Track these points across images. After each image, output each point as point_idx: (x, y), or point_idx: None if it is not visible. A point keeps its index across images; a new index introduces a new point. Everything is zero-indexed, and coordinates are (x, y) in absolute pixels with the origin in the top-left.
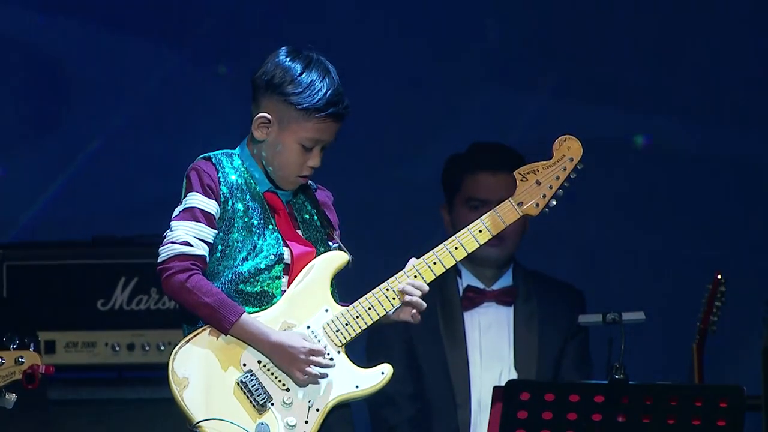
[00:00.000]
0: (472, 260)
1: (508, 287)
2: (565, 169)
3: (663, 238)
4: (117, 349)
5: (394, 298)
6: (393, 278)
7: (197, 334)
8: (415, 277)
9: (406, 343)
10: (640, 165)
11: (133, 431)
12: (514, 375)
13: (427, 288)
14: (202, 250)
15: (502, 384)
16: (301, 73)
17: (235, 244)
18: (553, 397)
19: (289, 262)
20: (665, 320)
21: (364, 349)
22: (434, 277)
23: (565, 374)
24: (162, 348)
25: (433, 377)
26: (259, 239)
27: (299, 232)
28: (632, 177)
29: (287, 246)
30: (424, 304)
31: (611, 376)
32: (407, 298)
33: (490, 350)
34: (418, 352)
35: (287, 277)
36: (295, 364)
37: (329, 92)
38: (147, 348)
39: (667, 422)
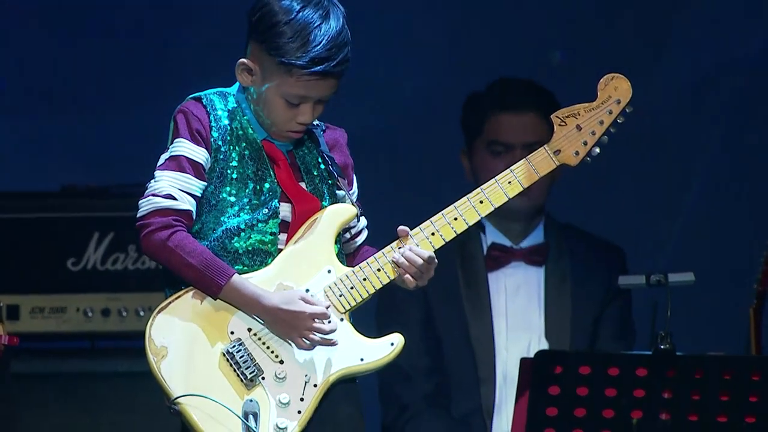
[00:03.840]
0: (496, 213)
1: (538, 245)
2: (610, 113)
3: (717, 188)
4: (90, 315)
5: None
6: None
7: (179, 297)
8: (433, 234)
9: (423, 309)
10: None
11: (107, 408)
12: (544, 345)
13: (426, 255)
14: (187, 204)
15: (531, 355)
16: (292, 18)
17: (227, 197)
18: (590, 370)
19: (289, 218)
20: (718, 281)
21: (373, 316)
22: (454, 236)
23: (603, 344)
24: (141, 314)
25: (453, 348)
26: (254, 192)
27: (302, 184)
28: (682, 121)
29: (289, 201)
30: (423, 279)
31: (656, 346)
32: (402, 272)
33: (518, 317)
34: (436, 319)
35: (286, 234)
36: (296, 329)
37: (318, 46)
38: (124, 314)
39: (719, 399)
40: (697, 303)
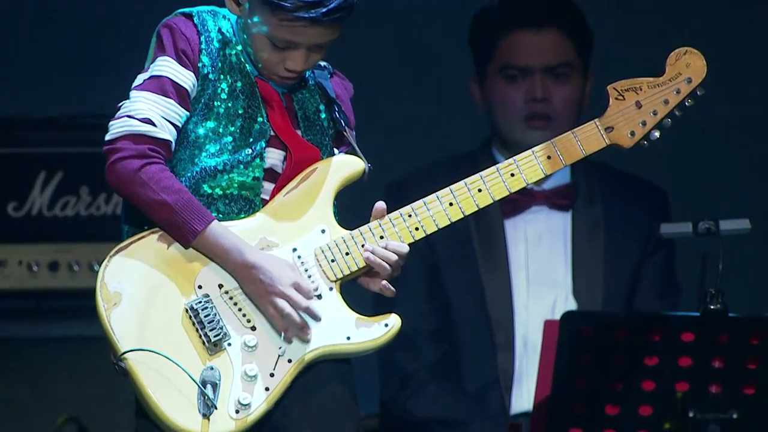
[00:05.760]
0: (512, 148)
1: (564, 185)
2: (678, 92)
3: None
4: (35, 269)
5: (417, 229)
6: (420, 202)
7: (142, 237)
8: (451, 204)
9: (428, 264)
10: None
11: (56, 379)
12: (572, 304)
13: (404, 251)
14: (167, 133)
15: (557, 317)
16: None
17: (209, 134)
18: (627, 334)
19: (278, 168)
20: None
21: None
22: (476, 209)
23: (641, 303)
24: (95, 268)
25: (464, 309)
26: (240, 132)
27: (299, 132)
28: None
29: (281, 148)
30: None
31: (705, 306)
32: (375, 266)
33: (541, 271)
34: (444, 275)
35: (273, 185)
36: (270, 294)
37: None
38: (75, 268)
39: None
40: (753, 255)
